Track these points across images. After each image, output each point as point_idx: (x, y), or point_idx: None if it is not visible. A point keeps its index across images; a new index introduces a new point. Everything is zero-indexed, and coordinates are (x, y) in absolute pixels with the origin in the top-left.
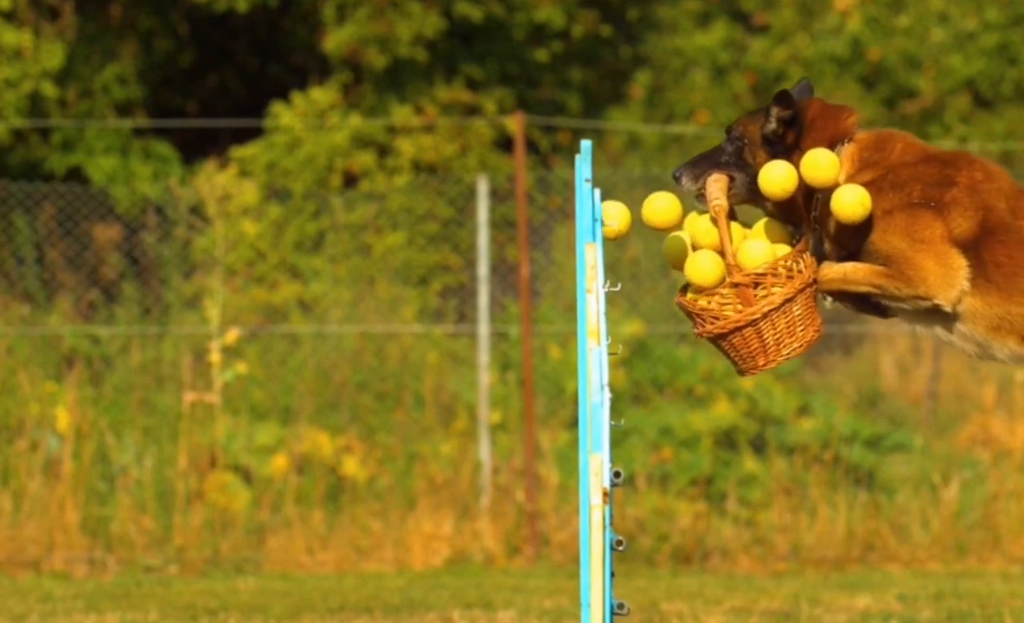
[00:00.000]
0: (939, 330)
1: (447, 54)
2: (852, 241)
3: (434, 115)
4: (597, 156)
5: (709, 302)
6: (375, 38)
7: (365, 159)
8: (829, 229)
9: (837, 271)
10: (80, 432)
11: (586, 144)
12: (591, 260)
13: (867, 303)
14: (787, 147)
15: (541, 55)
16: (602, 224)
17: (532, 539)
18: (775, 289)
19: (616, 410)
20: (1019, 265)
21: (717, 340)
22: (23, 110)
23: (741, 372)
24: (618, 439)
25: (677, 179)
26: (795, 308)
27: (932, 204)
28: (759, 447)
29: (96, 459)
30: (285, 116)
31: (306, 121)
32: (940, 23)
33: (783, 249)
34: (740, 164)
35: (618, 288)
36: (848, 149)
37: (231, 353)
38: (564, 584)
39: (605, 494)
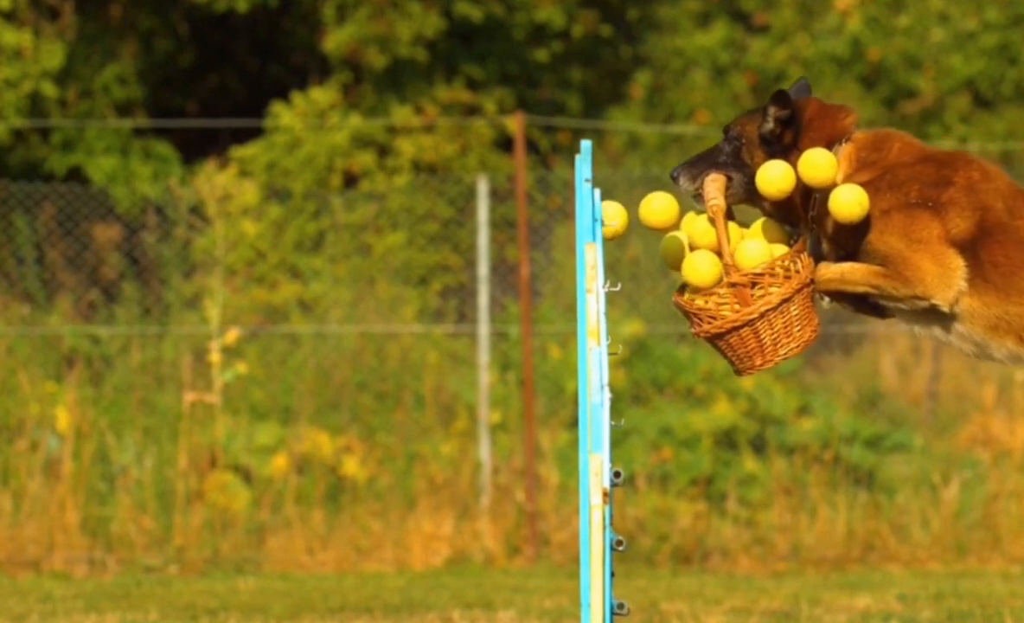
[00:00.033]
0: (937, 330)
1: (447, 54)
2: (850, 241)
3: (434, 115)
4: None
5: (706, 302)
6: (375, 38)
7: (365, 159)
8: (827, 229)
9: (834, 271)
10: (80, 432)
11: (586, 144)
12: (591, 260)
13: (865, 303)
14: (785, 147)
15: (541, 55)
16: (602, 224)
17: (532, 539)
18: (772, 289)
19: (616, 410)
20: (1016, 265)
21: (714, 340)
22: (23, 110)
23: (738, 372)
24: (618, 439)
25: (675, 179)
26: (792, 308)
27: (929, 204)
28: (759, 447)
29: (96, 459)
30: (285, 116)
31: (306, 121)
32: (940, 23)
33: (781, 249)
34: (738, 164)
35: (618, 288)
36: (846, 149)
37: (231, 353)
38: (564, 584)
39: (605, 494)
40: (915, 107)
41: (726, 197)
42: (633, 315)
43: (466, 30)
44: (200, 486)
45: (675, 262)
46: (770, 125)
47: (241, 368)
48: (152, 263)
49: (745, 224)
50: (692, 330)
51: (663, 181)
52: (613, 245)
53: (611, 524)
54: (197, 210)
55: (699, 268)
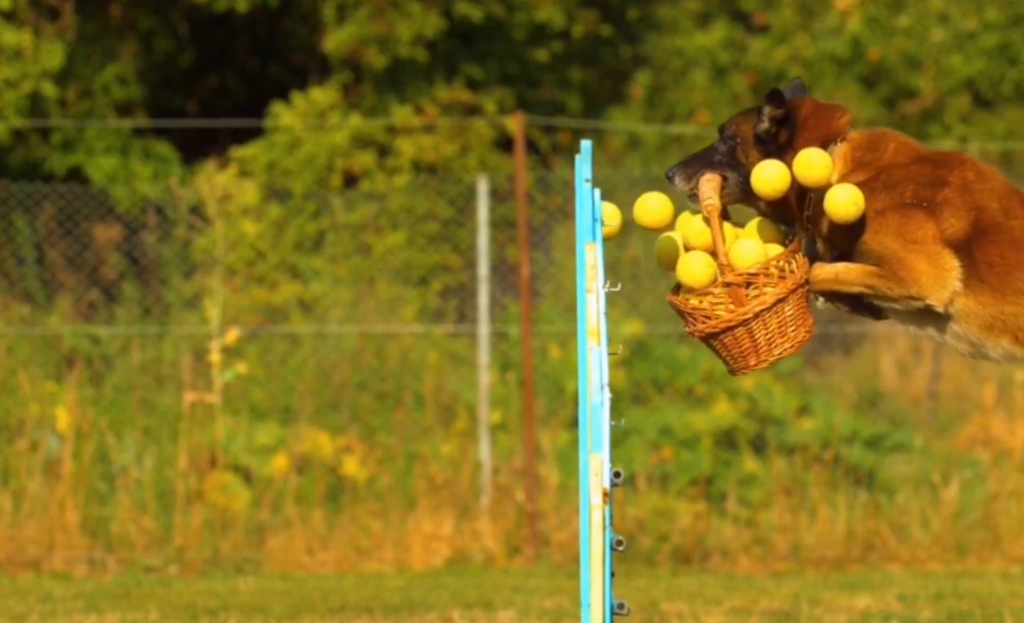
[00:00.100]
0: (932, 331)
1: (447, 54)
2: (845, 241)
3: (434, 115)
4: (597, 156)
5: (701, 301)
6: (375, 38)
7: (365, 159)
8: (822, 229)
9: (829, 271)
10: (80, 432)
11: (586, 144)
12: (591, 260)
13: (860, 304)
14: (780, 146)
15: (541, 55)
16: (602, 224)
17: (532, 539)
18: (767, 289)
19: (616, 410)
20: (1012, 265)
21: (708, 339)
22: (23, 110)
23: (732, 372)
24: (618, 439)
25: (670, 179)
26: (787, 308)
27: (924, 204)
28: (759, 447)
29: (96, 459)
30: (285, 116)
31: (306, 121)
32: (940, 23)
33: (775, 249)
34: (733, 164)
35: (618, 288)
36: (841, 148)
37: (231, 353)
38: (564, 584)
39: (605, 494)
40: (915, 107)
41: (721, 197)
42: (633, 315)
43: (466, 30)
44: (200, 486)
45: (669, 262)
46: (765, 124)
47: (241, 368)
48: (152, 263)
49: (741, 224)
50: (686, 329)
51: (663, 181)
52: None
53: (611, 524)
54: (197, 210)
55: (693, 269)
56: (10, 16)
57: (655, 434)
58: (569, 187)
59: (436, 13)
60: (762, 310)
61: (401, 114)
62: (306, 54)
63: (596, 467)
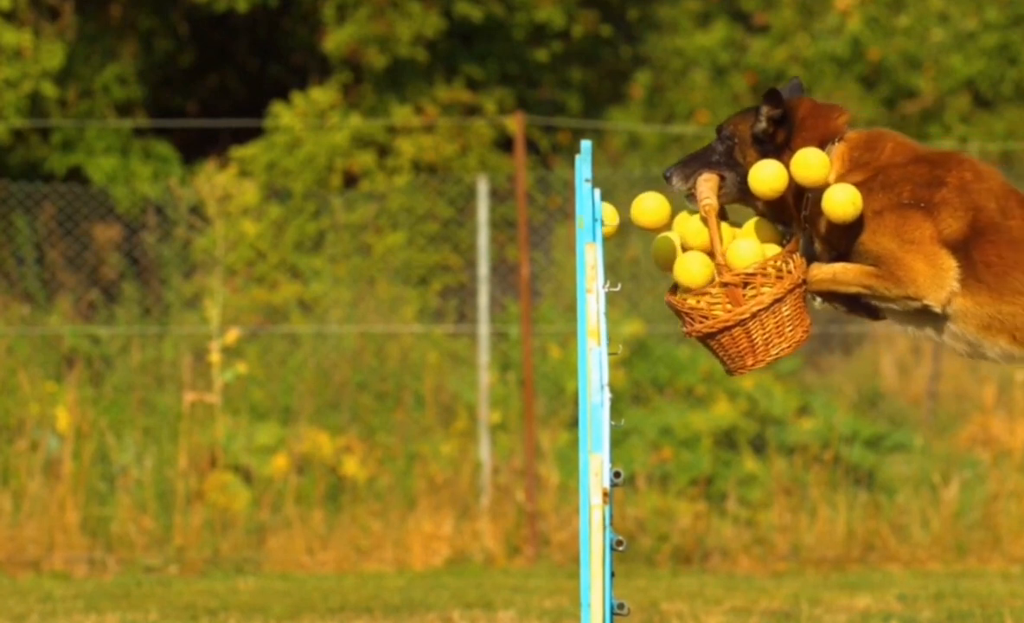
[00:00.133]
0: (930, 331)
1: (447, 54)
2: (842, 241)
3: (434, 115)
4: (597, 156)
5: (698, 301)
6: (375, 38)
7: (365, 159)
8: (820, 229)
9: (827, 271)
10: (80, 432)
11: (586, 144)
12: (591, 260)
13: (857, 304)
14: (777, 146)
15: (541, 55)
16: (601, 224)
17: (532, 539)
18: (764, 289)
19: (616, 410)
20: (1009, 265)
21: (706, 339)
22: (23, 110)
23: (729, 371)
24: (618, 439)
25: (668, 179)
26: (784, 308)
27: (922, 205)
28: (759, 447)
29: (96, 459)
30: (285, 116)
31: (306, 121)
32: (940, 23)
33: (773, 249)
34: (730, 163)
35: (618, 288)
36: (838, 148)
37: (231, 353)
38: (564, 584)
39: (605, 494)
40: (915, 107)
41: (719, 197)
42: (633, 315)
43: (466, 30)
44: (200, 486)
45: (667, 263)
46: (763, 124)
47: (241, 368)
48: (152, 263)
49: (738, 224)
50: (684, 329)
51: (662, 181)
52: (613, 245)
53: (611, 524)
54: (197, 210)
55: (690, 269)
56: (10, 16)
57: (655, 434)
58: (569, 187)
59: (436, 13)
60: (759, 310)
61: (401, 114)
62: (306, 54)
63: (596, 467)
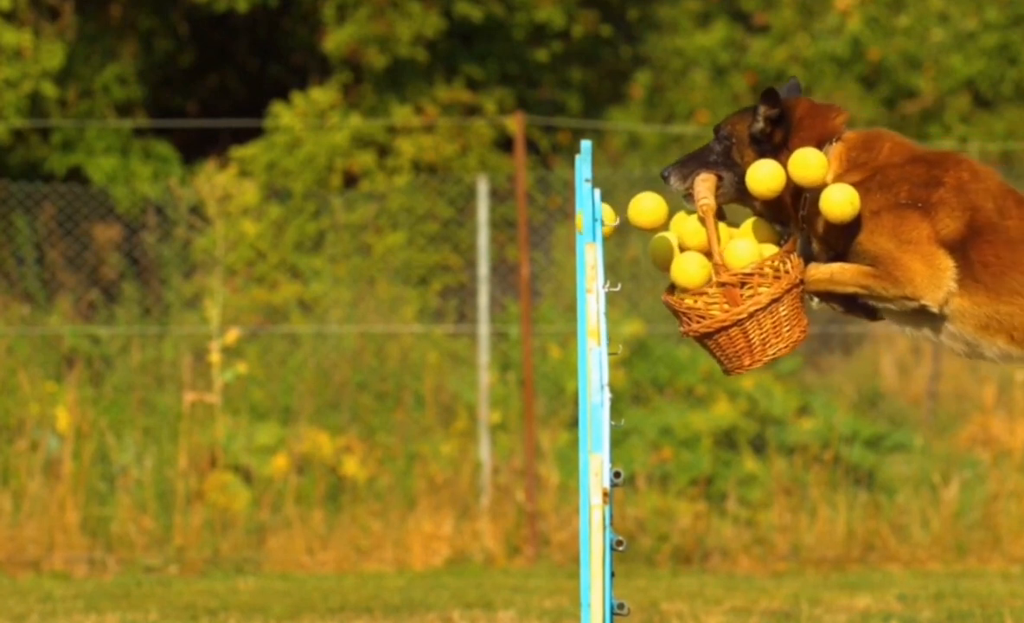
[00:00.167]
0: (927, 331)
1: (447, 54)
2: (840, 241)
3: (434, 115)
4: (597, 156)
5: (696, 301)
6: (375, 38)
7: (365, 159)
8: (817, 229)
9: (824, 272)
10: (80, 432)
11: (586, 144)
12: (591, 260)
13: (855, 304)
14: (775, 146)
15: (541, 55)
16: (601, 224)
17: (532, 539)
18: (762, 289)
19: (616, 410)
20: (1007, 264)
21: (703, 339)
22: (23, 110)
23: (727, 371)
24: (618, 439)
25: (665, 179)
26: (781, 308)
27: (919, 205)
28: (759, 447)
29: (96, 459)
30: (285, 116)
31: (306, 121)
32: (940, 23)
33: (770, 249)
34: (728, 163)
35: (618, 288)
36: (836, 148)
37: (231, 353)
38: (564, 584)
39: (605, 494)
40: (915, 107)
41: (716, 196)
42: (633, 315)
43: (466, 30)
44: (200, 486)
45: (664, 263)
46: (760, 124)
47: (241, 368)
48: (152, 263)
49: (736, 224)
50: (681, 329)
51: (661, 181)
52: (613, 245)
53: (611, 524)
54: (197, 210)
55: (688, 269)
56: (10, 16)
57: (655, 434)
58: (569, 187)
59: (436, 13)
60: (756, 310)
61: (401, 114)
62: (306, 54)
63: (596, 467)
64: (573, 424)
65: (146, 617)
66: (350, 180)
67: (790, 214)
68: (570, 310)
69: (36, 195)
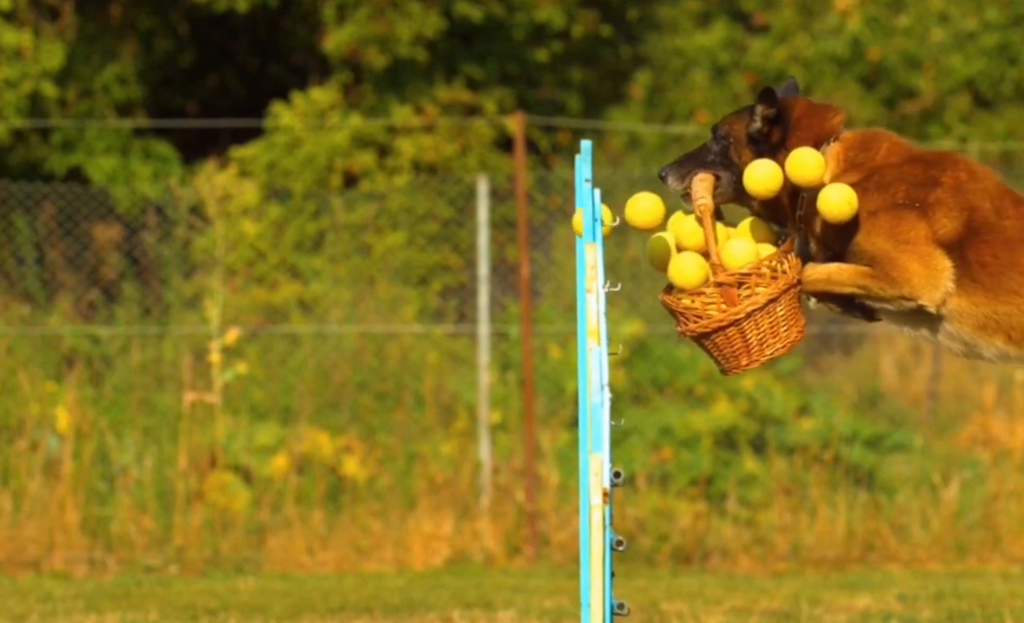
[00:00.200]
0: (925, 331)
1: (447, 54)
2: (838, 241)
3: (434, 115)
4: (597, 156)
5: (693, 301)
6: (375, 38)
7: (365, 159)
8: (815, 229)
9: (821, 272)
10: (80, 432)
11: (586, 144)
12: (591, 260)
13: (852, 305)
14: (772, 146)
15: (541, 55)
16: (601, 224)
17: (532, 539)
18: (759, 289)
19: (616, 410)
20: (1004, 264)
21: (700, 339)
22: (23, 110)
23: (724, 371)
24: (618, 439)
25: (663, 178)
26: (779, 309)
27: (917, 205)
28: (759, 447)
29: (96, 459)
30: (285, 116)
31: (306, 121)
32: (940, 23)
33: (767, 249)
34: (726, 163)
35: (618, 288)
36: (833, 148)
37: (231, 353)
38: (564, 584)
39: (605, 494)
40: (915, 107)
41: (714, 196)
42: (633, 315)
43: (466, 30)
44: (200, 486)
45: (661, 263)
46: (758, 124)
47: (241, 368)
48: (152, 263)
49: (734, 224)
50: (678, 329)
51: (658, 181)
52: (613, 245)
53: (611, 524)
54: (197, 210)
55: (685, 270)
56: (10, 16)
57: (655, 434)
58: (569, 187)
59: (436, 13)
60: (754, 310)
61: (401, 114)
62: (306, 54)
63: (596, 467)
64: (573, 424)
65: (146, 617)
66: (350, 180)
67: (788, 214)
68: (570, 310)
69: (36, 195)
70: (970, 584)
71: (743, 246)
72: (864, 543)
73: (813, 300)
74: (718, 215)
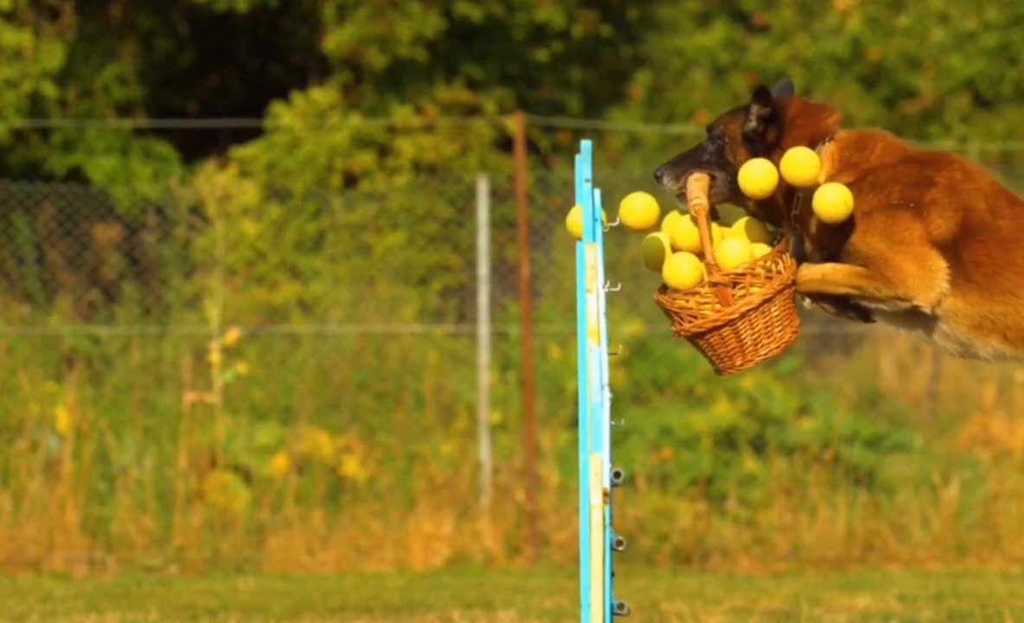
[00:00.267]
0: (920, 332)
1: (447, 54)
2: (833, 241)
3: (434, 115)
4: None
5: (688, 301)
6: (375, 38)
7: (365, 159)
8: (810, 229)
9: (816, 272)
10: (80, 432)
11: (586, 144)
12: (591, 260)
13: (846, 305)
14: (768, 145)
15: (541, 55)
16: (601, 224)
17: (532, 539)
18: (754, 289)
19: (616, 410)
20: (999, 264)
21: (695, 339)
22: (23, 110)
23: (718, 371)
24: (618, 439)
25: (658, 178)
26: (773, 309)
27: (911, 205)
28: (759, 447)
29: (96, 459)
30: (285, 116)
31: (306, 121)
32: (940, 23)
33: (762, 249)
34: (721, 163)
35: (618, 288)
36: (829, 148)
37: (231, 353)
38: (564, 584)
39: (605, 494)
40: (915, 107)
41: (709, 196)
42: (633, 315)
43: (466, 30)
44: (200, 486)
45: (656, 263)
46: (753, 123)
47: (241, 368)
48: (152, 263)
49: (729, 224)
50: (673, 329)
51: (655, 181)
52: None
53: (611, 524)
54: (197, 210)
55: (679, 270)
56: (10, 16)
57: (655, 434)
58: (569, 187)
59: (436, 13)
60: (748, 310)
61: (401, 114)
62: (306, 54)
63: (596, 467)
64: (573, 424)
65: (146, 617)
66: (350, 180)
67: (783, 214)
68: (570, 310)
69: (36, 195)
70: (970, 584)
71: (738, 246)
72: (864, 543)
73: (808, 300)
74: (714, 215)
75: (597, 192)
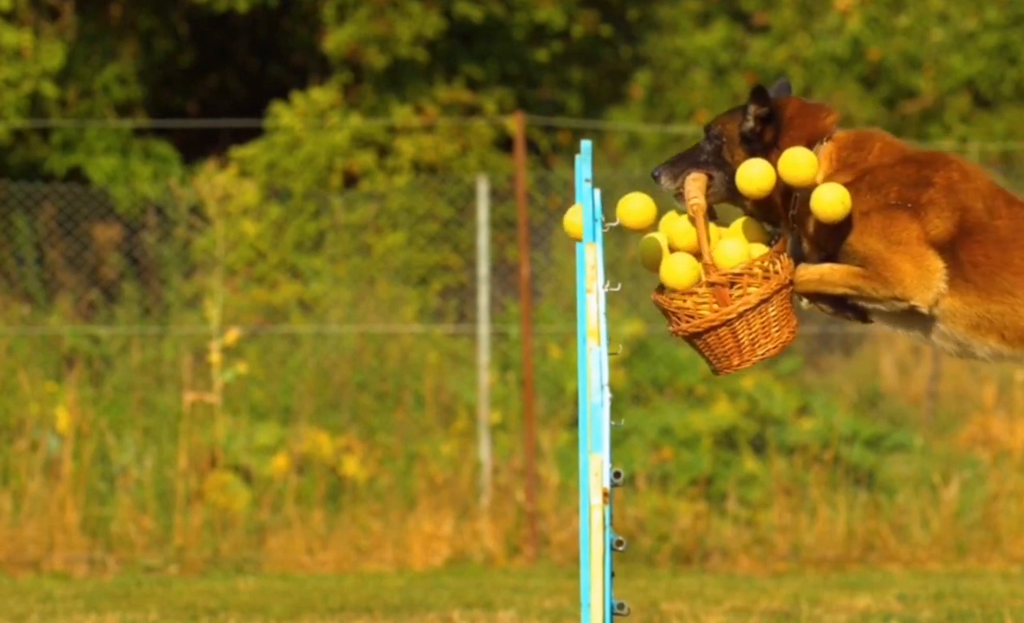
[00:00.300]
0: (917, 332)
1: (447, 54)
2: (831, 241)
3: (434, 115)
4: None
5: (685, 301)
6: (375, 38)
7: (365, 159)
8: (808, 229)
9: (814, 272)
10: (80, 432)
11: (586, 144)
12: (591, 260)
13: (844, 305)
14: (765, 145)
15: (541, 55)
16: (601, 224)
17: (532, 539)
18: (751, 289)
19: (616, 410)
20: (997, 264)
21: (692, 339)
22: (23, 110)
23: (716, 371)
24: (618, 439)
25: (656, 178)
26: (771, 309)
27: (909, 205)
28: (759, 447)
29: (96, 459)
30: (285, 116)
31: (306, 121)
32: (940, 23)
33: (760, 249)
34: (719, 163)
35: (618, 288)
36: (826, 148)
37: (231, 353)
38: (564, 584)
39: (605, 494)
40: (915, 107)
41: (707, 196)
42: (633, 315)
43: (466, 30)
44: (200, 486)
45: (653, 264)
46: (750, 123)
47: (241, 368)
48: (152, 263)
49: (727, 224)
50: (670, 329)
51: (653, 181)
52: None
53: (611, 524)
54: (197, 210)
55: (676, 271)
56: (10, 16)
57: (655, 434)
58: (569, 187)
59: (436, 13)
60: (746, 310)
61: (401, 114)
62: (306, 54)
63: (596, 467)
64: (573, 424)
65: (146, 617)
66: (350, 180)
67: (780, 214)
68: (570, 310)
69: (36, 195)
70: (970, 584)
71: (735, 246)
72: (864, 543)
73: (805, 301)
74: (711, 215)
75: (597, 192)
